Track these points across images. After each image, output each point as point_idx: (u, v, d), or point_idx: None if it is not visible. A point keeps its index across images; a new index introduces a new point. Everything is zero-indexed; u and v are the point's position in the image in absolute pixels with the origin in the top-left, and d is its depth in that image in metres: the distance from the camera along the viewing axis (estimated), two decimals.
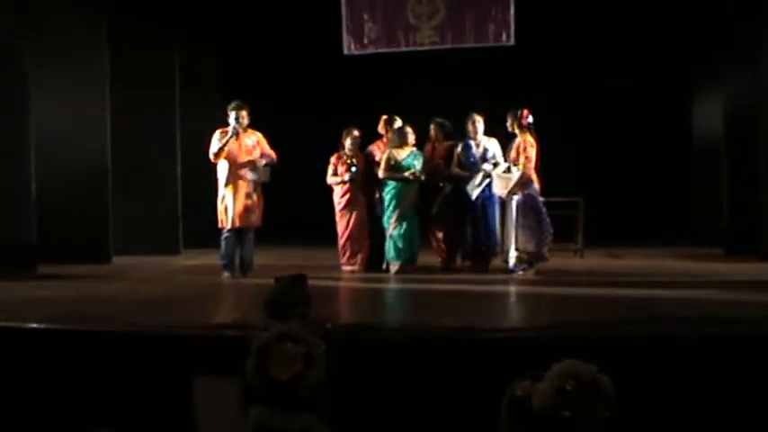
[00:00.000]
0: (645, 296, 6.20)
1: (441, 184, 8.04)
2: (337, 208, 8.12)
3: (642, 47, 11.07)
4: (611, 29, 10.94)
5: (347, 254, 8.07)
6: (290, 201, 11.36)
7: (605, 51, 11.10)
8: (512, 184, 7.47)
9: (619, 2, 10.80)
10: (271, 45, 11.61)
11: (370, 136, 8.43)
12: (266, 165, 7.76)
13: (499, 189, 7.60)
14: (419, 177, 7.89)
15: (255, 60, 11.63)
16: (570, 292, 6.55)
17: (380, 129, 8.32)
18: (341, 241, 8.10)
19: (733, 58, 9.36)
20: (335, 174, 8.10)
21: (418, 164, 7.94)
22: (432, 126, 8.29)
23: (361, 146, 8.23)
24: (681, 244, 9.94)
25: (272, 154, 7.86)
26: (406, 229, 7.86)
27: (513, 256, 7.46)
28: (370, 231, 8.05)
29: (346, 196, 8.04)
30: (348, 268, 8.04)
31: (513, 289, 6.96)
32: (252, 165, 7.70)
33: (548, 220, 7.56)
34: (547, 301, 6.29)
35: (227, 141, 7.66)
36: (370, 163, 8.11)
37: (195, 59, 10.66)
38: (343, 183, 8.02)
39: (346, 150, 8.08)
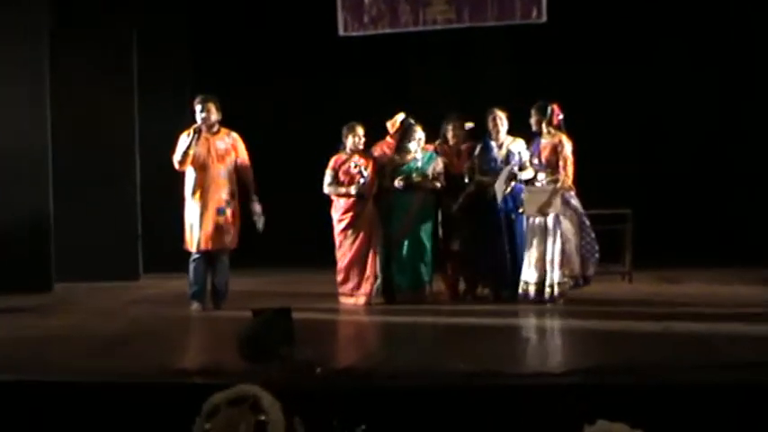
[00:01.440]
0: (709, 333, 6.12)
1: (466, 180, 8.03)
2: (338, 227, 7.99)
3: (705, 24, 11.04)
4: (666, 3, 10.92)
5: (348, 283, 7.96)
6: (275, 213, 11.32)
7: (659, 31, 11.08)
8: (552, 198, 7.40)
9: None
10: (251, 25, 11.63)
11: (375, 133, 8.34)
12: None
13: (533, 208, 7.53)
14: (419, 184, 7.87)
15: (233, 44, 11.66)
16: (615, 327, 6.51)
17: (390, 127, 8.24)
18: (340, 266, 7.98)
19: None
20: (337, 182, 7.99)
21: (424, 168, 7.93)
22: (449, 126, 8.26)
23: (366, 145, 8.15)
24: (754, 265, 9.86)
25: (246, 161, 7.84)
26: (409, 248, 7.86)
27: (559, 282, 7.42)
28: (382, 256, 7.97)
29: (350, 212, 7.92)
30: (349, 300, 7.95)
31: (543, 323, 6.92)
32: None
33: (592, 234, 7.59)
34: (586, 339, 6.23)
35: (190, 144, 7.65)
36: (380, 167, 8.05)
37: (159, 42, 10.69)
38: (348, 196, 7.94)
39: (347, 151, 8.02)
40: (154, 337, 6.57)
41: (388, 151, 8.12)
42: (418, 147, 7.99)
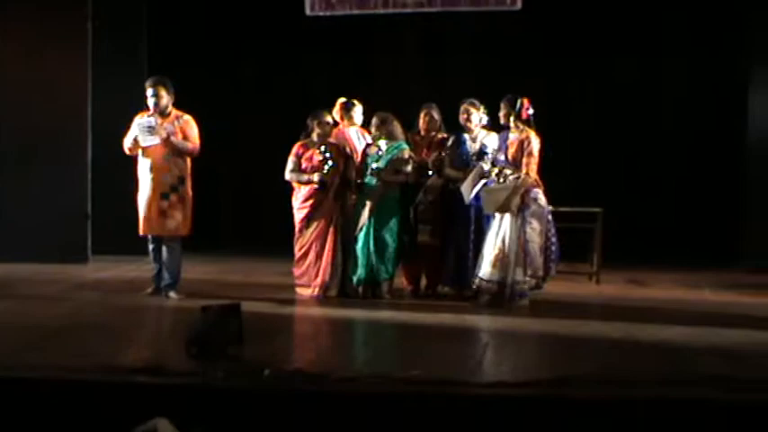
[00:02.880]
0: (673, 343, 6.15)
1: (429, 173, 7.98)
2: (297, 215, 7.96)
3: (687, 16, 11.05)
4: None
5: (306, 274, 7.93)
6: (235, 199, 11.31)
7: (638, 22, 11.07)
8: (511, 197, 7.36)
9: None
10: (215, 1, 11.46)
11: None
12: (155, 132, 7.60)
13: (492, 207, 7.49)
14: (379, 176, 7.79)
15: (195, 20, 11.48)
16: (578, 334, 6.50)
17: (336, 114, 8.28)
18: (298, 256, 7.96)
19: None
20: (299, 169, 7.93)
21: (386, 160, 7.86)
22: (421, 113, 8.22)
23: None
24: (728, 268, 9.91)
25: (195, 144, 7.77)
26: (365, 243, 7.83)
27: (519, 281, 7.42)
28: (343, 247, 7.93)
29: (311, 201, 7.89)
30: (305, 291, 7.92)
31: (504, 327, 6.84)
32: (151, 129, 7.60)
33: (556, 234, 7.58)
34: (547, 346, 6.24)
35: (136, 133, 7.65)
36: (345, 157, 8.02)
37: (116, 14, 10.51)
38: (310, 183, 7.86)
39: (314, 140, 7.93)
40: (97, 328, 6.47)
41: (337, 140, 8.12)
42: (382, 137, 7.90)
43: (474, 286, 7.60)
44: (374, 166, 7.84)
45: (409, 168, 7.90)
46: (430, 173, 7.96)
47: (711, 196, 10.92)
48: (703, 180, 11.02)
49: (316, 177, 7.82)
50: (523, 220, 7.44)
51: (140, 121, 7.65)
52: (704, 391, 4.72)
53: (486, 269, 7.50)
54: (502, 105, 7.64)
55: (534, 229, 7.46)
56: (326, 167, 7.80)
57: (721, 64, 10.92)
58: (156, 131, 7.57)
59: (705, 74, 11.04)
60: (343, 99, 8.36)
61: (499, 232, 7.48)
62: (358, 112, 8.37)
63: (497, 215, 7.51)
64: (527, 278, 7.45)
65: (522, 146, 7.50)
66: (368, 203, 7.82)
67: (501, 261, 7.44)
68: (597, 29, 10.98)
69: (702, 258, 10.26)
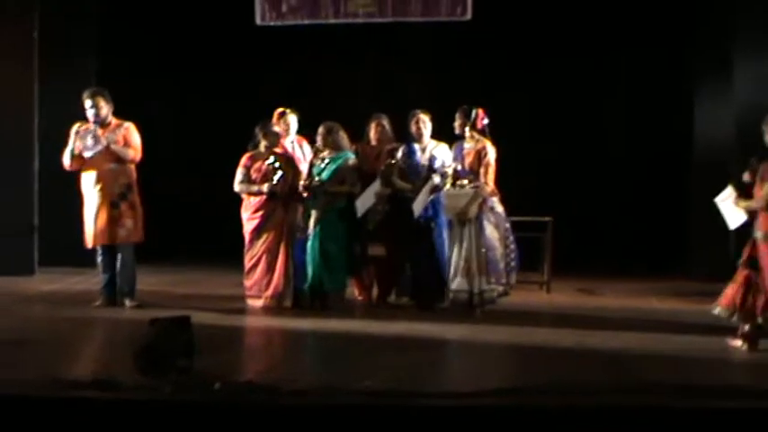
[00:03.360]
0: (624, 350, 6.26)
1: (377, 182, 7.95)
2: (247, 226, 7.93)
3: (632, 27, 11.17)
4: (592, 3, 11.02)
5: (257, 285, 7.89)
6: (186, 211, 11.23)
7: (585, 31, 11.18)
8: (470, 204, 7.43)
9: None
10: (164, 9, 11.38)
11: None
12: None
13: (451, 211, 7.55)
14: (321, 188, 7.78)
15: (143, 28, 11.39)
16: (531, 341, 6.57)
17: (276, 125, 8.27)
18: (249, 267, 7.92)
19: (746, 44, 9.51)
20: (249, 180, 7.91)
21: (328, 171, 7.84)
22: (373, 126, 8.22)
23: None
24: (675, 277, 10.03)
25: (137, 150, 7.78)
26: (311, 254, 7.84)
27: (485, 290, 7.50)
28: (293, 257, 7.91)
29: (261, 212, 7.86)
30: (257, 303, 7.88)
31: (455, 336, 6.89)
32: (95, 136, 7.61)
33: (514, 242, 7.70)
34: (500, 355, 6.28)
35: (76, 145, 7.64)
36: (294, 167, 8.01)
37: (64, 21, 10.40)
38: (261, 194, 7.83)
39: (262, 150, 7.92)
40: (43, 341, 6.38)
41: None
42: (325, 149, 7.91)
43: (447, 299, 7.67)
44: (317, 177, 7.83)
45: (352, 179, 7.89)
46: (377, 182, 7.94)
47: (659, 206, 11.04)
48: (651, 190, 11.14)
49: (265, 188, 7.80)
50: (481, 228, 7.53)
51: (82, 133, 7.64)
52: (653, 399, 4.77)
53: (454, 280, 7.61)
54: (457, 116, 7.70)
55: (494, 238, 7.55)
56: (276, 178, 7.78)
57: (668, 77, 11.06)
58: (98, 140, 7.57)
59: (653, 86, 11.17)
60: (279, 109, 8.32)
61: (461, 243, 7.56)
62: (292, 121, 8.33)
63: (456, 226, 7.56)
64: (493, 285, 7.52)
65: (480, 156, 7.61)
66: (314, 213, 7.83)
67: (466, 271, 7.52)
68: (547, 38, 11.09)
69: (650, 267, 10.41)
